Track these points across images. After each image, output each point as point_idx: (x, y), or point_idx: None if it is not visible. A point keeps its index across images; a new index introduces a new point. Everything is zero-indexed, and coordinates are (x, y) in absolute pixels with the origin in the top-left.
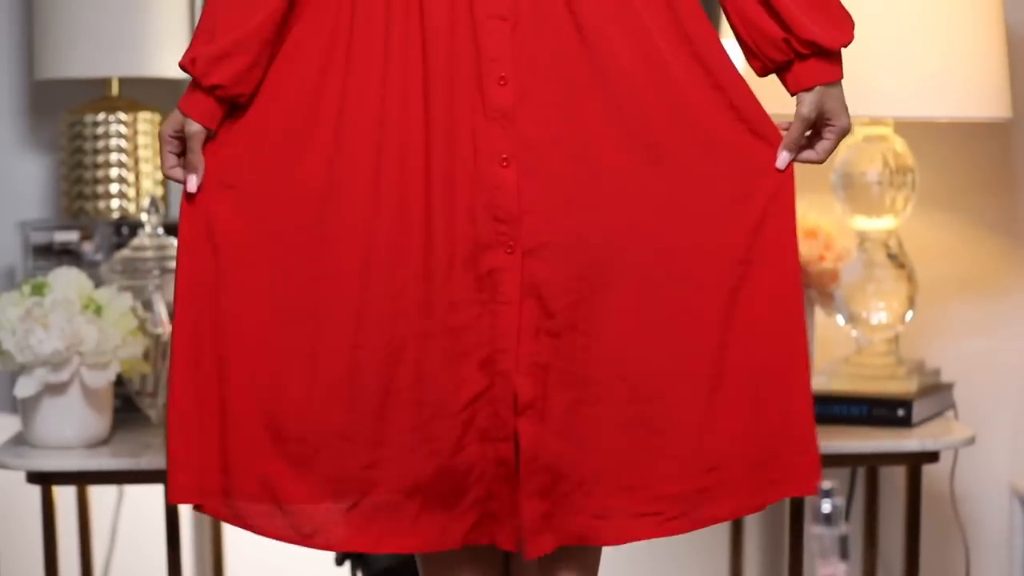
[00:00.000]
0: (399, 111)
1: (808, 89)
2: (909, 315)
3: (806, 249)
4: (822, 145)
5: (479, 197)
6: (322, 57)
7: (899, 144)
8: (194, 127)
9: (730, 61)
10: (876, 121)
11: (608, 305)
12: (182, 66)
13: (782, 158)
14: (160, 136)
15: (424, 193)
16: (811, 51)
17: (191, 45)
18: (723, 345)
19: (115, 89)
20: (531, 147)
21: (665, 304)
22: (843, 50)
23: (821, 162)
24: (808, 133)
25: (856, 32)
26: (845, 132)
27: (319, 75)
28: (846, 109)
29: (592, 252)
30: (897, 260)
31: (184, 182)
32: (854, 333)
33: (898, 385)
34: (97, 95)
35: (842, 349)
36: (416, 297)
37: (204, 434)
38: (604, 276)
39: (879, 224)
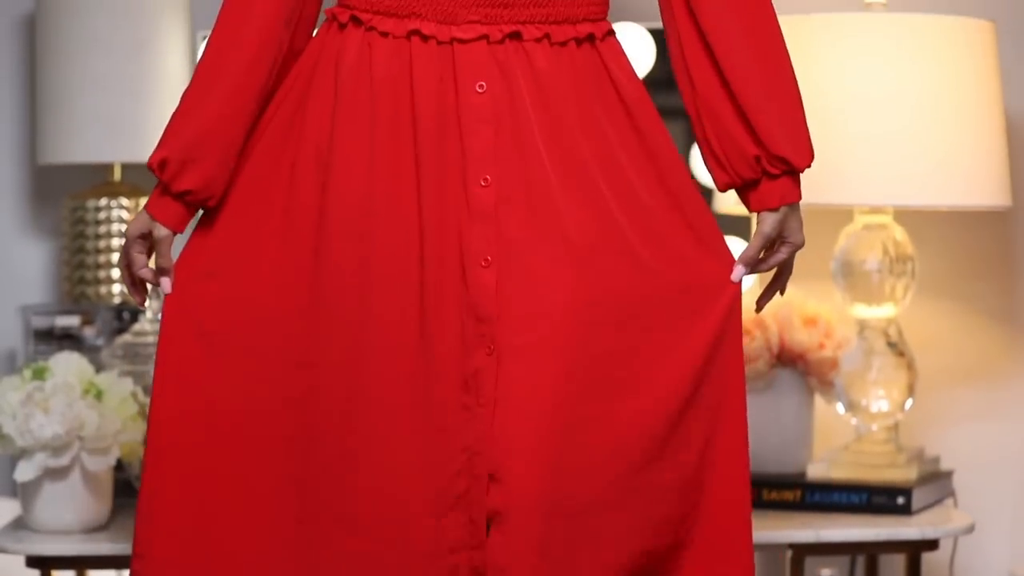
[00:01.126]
0: (387, 207)
1: (773, 209)
2: (909, 403)
3: (806, 337)
4: (775, 258)
5: (464, 297)
6: (303, 148)
7: (899, 232)
8: (163, 231)
9: (689, 179)
10: (876, 210)
11: (585, 412)
12: (150, 167)
13: (737, 271)
14: (127, 236)
15: (417, 289)
16: (781, 170)
17: (161, 142)
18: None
19: (117, 174)
20: (511, 248)
21: (635, 409)
22: (843, 137)
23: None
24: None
25: (856, 120)
26: (799, 248)
27: (298, 165)
28: (802, 226)
29: (568, 355)
30: (897, 348)
31: (156, 283)
32: (854, 421)
33: (898, 473)
34: (99, 180)
35: (842, 437)
36: (407, 395)
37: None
38: (580, 382)
39: (879, 312)
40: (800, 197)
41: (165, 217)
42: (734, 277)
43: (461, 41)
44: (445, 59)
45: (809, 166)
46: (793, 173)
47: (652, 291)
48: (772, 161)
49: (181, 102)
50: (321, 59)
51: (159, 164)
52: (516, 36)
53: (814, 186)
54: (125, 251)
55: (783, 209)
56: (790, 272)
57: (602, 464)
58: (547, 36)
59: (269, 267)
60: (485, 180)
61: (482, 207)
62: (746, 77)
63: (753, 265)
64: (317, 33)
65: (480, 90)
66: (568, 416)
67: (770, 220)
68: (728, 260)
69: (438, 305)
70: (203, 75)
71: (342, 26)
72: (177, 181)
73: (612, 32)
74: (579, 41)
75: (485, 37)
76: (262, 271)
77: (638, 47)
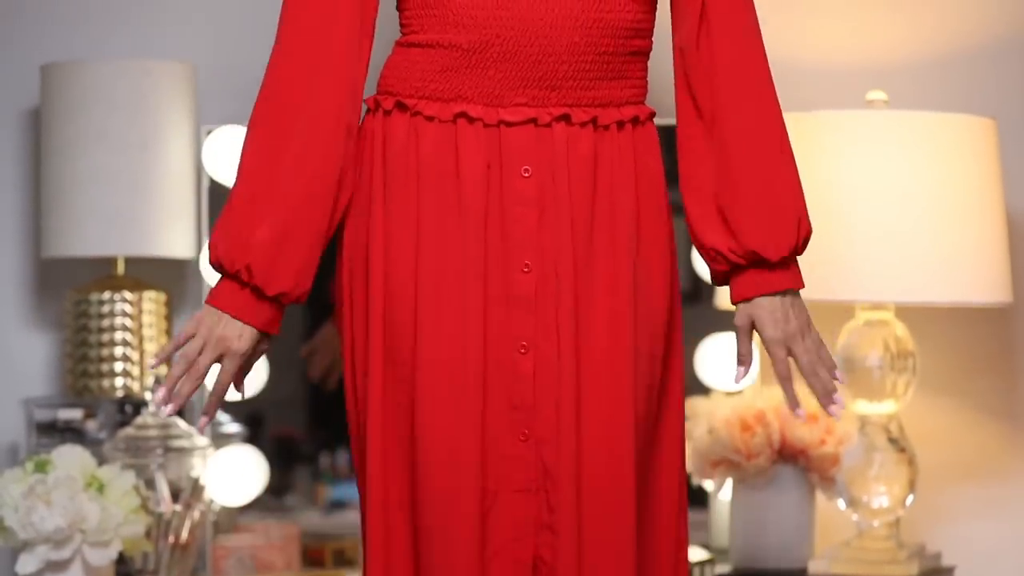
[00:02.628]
0: (432, 295)
1: (747, 300)
2: (910, 499)
3: (807, 433)
4: (775, 367)
5: (502, 384)
6: (355, 237)
7: (900, 329)
8: (244, 345)
9: (667, 275)
10: (877, 306)
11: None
12: (232, 270)
13: (738, 373)
14: (227, 351)
15: (462, 377)
16: (750, 261)
17: (234, 243)
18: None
19: (121, 268)
20: (550, 335)
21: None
22: (844, 234)
23: (785, 377)
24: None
25: (858, 217)
26: (778, 343)
27: (350, 258)
28: (778, 320)
29: (597, 444)
30: (898, 444)
31: (239, 390)
32: (855, 517)
33: (899, 569)
34: (103, 274)
35: (843, 533)
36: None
37: None
38: (609, 471)
39: (880, 408)
40: (781, 286)
41: (260, 321)
42: (735, 379)
43: (508, 124)
44: (492, 142)
45: (790, 252)
46: (765, 263)
47: (651, 381)
48: (741, 253)
49: (242, 193)
50: (366, 147)
51: (246, 268)
52: (565, 119)
53: (816, 282)
54: (225, 369)
55: (756, 300)
56: (810, 365)
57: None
58: (594, 120)
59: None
60: (527, 266)
61: (523, 292)
62: (732, 168)
63: (746, 363)
64: (362, 123)
65: (525, 174)
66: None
67: (738, 311)
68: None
69: (475, 390)
70: (267, 158)
71: (387, 112)
72: (271, 283)
73: (653, 115)
74: (621, 124)
75: (533, 120)
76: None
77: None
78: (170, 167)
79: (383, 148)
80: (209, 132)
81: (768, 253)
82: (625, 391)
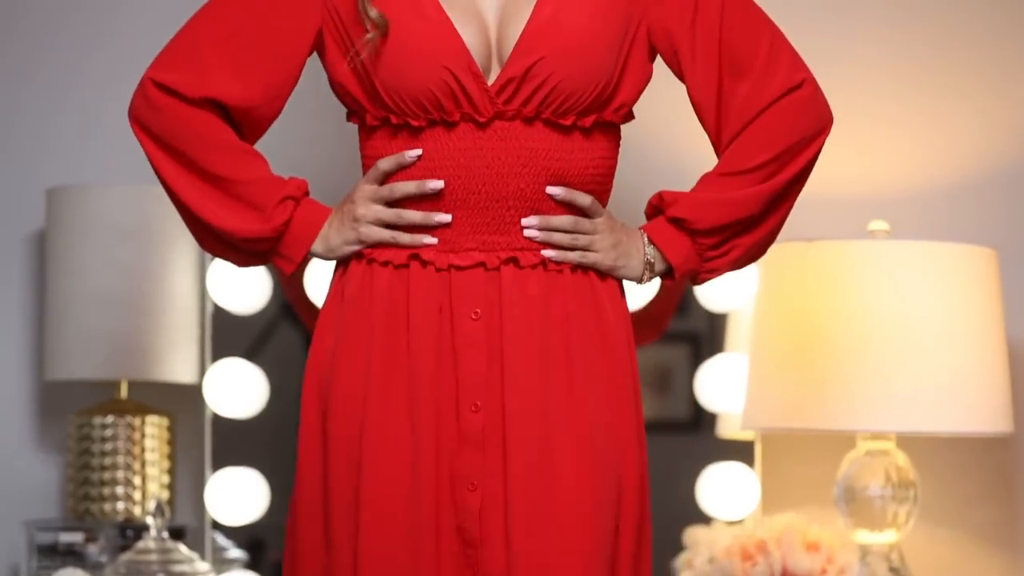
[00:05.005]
0: (379, 435)
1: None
2: None
3: (808, 562)
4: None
5: (453, 521)
6: (309, 382)
7: (901, 459)
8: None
9: (631, 420)
10: (878, 436)
11: None
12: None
13: (529, 219)
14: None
15: (406, 514)
16: (655, 211)
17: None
18: None
19: (124, 392)
20: (496, 474)
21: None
22: (845, 363)
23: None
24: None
25: (859, 346)
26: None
27: (306, 402)
28: (628, 259)
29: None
30: (899, 574)
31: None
32: None
33: None
34: (106, 398)
35: None
36: None
37: None
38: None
39: (881, 538)
40: (671, 262)
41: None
42: (525, 222)
43: (459, 268)
44: (443, 286)
45: (690, 225)
46: (677, 221)
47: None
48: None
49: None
50: (330, 297)
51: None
52: (513, 262)
53: (817, 411)
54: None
55: (638, 234)
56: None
57: None
58: (541, 264)
59: (300, 492)
60: (475, 406)
61: (471, 432)
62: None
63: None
64: (333, 274)
65: (475, 317)
66: None
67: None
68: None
69: (429, 528)
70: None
71: (346, 267)
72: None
73: None
74: (573, 267)
75: (482, 264)
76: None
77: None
78: (174, 292)
79: (340, 296)
80: (213, 258)
81: (675, 211)
82: (583, 530)
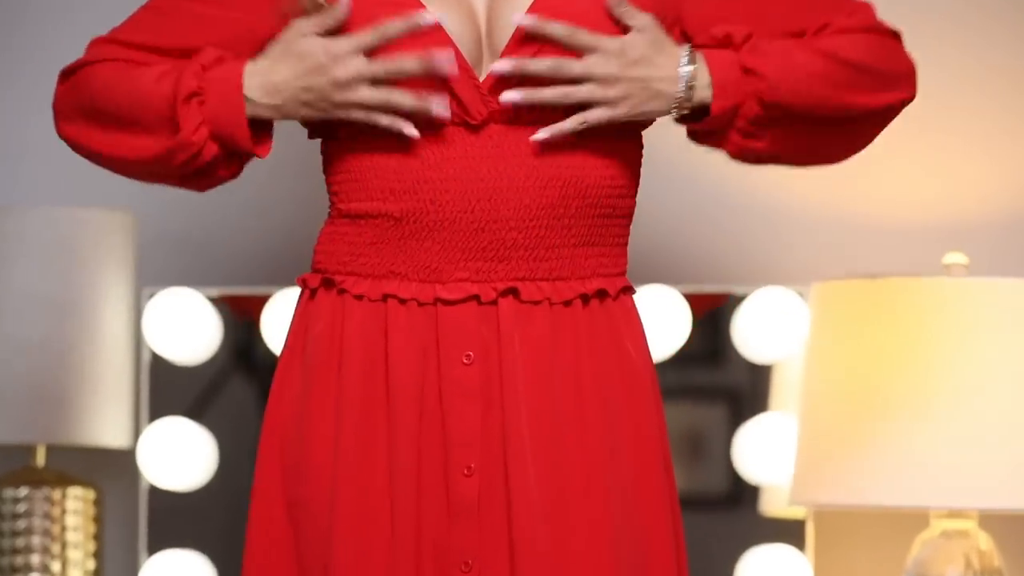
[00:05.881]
0: (353, 504)
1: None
2: None
3: None
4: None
5: None
6: (269, 439)
7: (984, 541)
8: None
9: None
10: (956, 514)
11: None
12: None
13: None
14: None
15: None
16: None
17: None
18: None
19: (41, 459)
20: (499, 550)
21: None
22: (917, 429)
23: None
24: None
25: (931, 405)
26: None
27: (264, 459)
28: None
29: None
30: None
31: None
32: None
33: None
34: (19, 465)
35: None
36: None
37: None
38: None
39: None
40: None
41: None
42: (496, 67)
43: (446, 302)
44: (428, 324)
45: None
46: (729, 46)
47: None
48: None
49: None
50: (289, 335)
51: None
52: (512, 293)
53: (882, 484)
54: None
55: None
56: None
57: None
58: (548, 299)
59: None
60: (468, 469)
61: (464, 501)
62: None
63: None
64: (295, 308)
65: (467, 361)
66: None
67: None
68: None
69: None
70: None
71: (312, 292)
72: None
73: (629, 289)
74: (587, 298)
75: (475, 298)
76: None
77: (671, 315)
78: (103, 336)
79: (304, 334)
80: (151, 296)
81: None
82: None
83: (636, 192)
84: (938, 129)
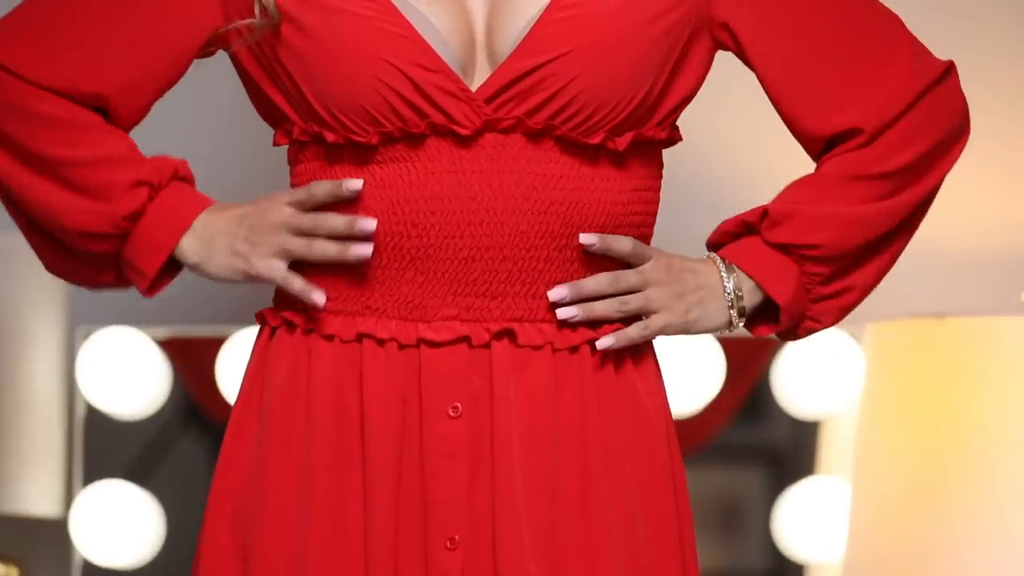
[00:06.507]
0: (321, 573)
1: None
2: None
3: None
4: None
5: None
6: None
7: None
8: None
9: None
10: None
11: None
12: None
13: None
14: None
15: None
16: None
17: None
18: None
19: None
20: None
21: None
22: (985, 487)
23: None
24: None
25: (1008, 459)
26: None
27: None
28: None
29: None
30: None
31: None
32: None
33: None
34: None
35: None
36: None
37: None
38: None
39: None
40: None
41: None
42: (553, 295)
43: (431, 344)
44: (409, 369)
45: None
46: (776, 246)
47: None
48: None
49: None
50: (244, 381)
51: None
52: (508, 336)
53: (951, 563)
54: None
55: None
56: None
57: None
58: (550, 344)
59: None
60: (451, 541)
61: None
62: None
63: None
64: (252, 350)
65: (453, 414)
66: None
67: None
68: None
69: None
70: None
71: (273, 332)
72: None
73: None
74: (595, 344)
75: (465, 340)
76: None
77: (700, 361)
78: (30, 384)
79: (263, 382)
80: (86, 336)
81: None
82: None
83: (654, 221)
84: (1013, 147)
